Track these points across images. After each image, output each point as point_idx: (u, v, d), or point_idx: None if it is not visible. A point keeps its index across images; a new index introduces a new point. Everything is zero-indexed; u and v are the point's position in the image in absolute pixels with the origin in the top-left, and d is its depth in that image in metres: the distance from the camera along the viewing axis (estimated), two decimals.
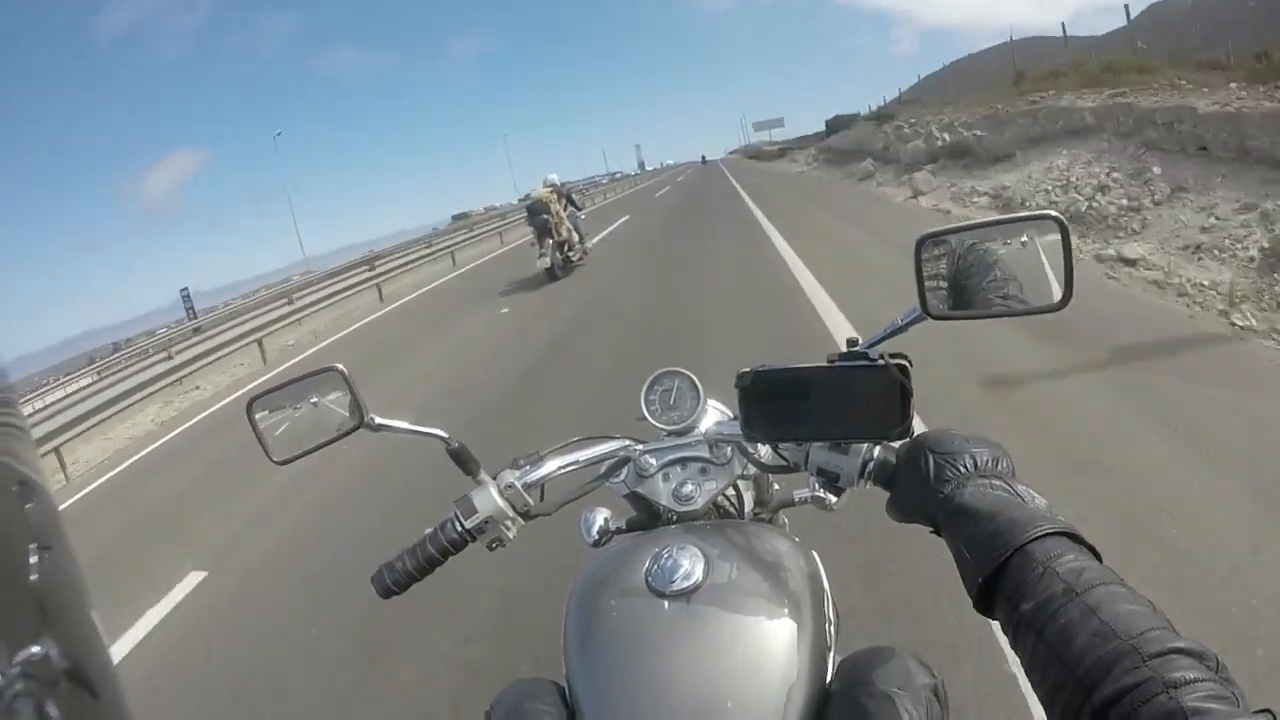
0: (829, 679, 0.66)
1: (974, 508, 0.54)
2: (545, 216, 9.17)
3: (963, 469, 0.58)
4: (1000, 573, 0.49)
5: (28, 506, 0.22)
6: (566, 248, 9.61)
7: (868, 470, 0.69)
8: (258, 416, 0.84)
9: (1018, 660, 0.47)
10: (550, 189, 9.58)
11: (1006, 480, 0.57)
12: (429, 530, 0.83)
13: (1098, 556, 0.49)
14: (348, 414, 0.82)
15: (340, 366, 0.82)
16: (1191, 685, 0.37)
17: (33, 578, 0.20)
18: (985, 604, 0.51)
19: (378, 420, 0.81)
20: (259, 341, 9.66)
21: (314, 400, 0.84)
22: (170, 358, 8.90)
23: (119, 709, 0.22)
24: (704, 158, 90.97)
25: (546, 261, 9.23)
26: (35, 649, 0.19)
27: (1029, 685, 0.46)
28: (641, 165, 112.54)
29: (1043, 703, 0.44)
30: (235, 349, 9.37)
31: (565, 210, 9.65)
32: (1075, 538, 0.49)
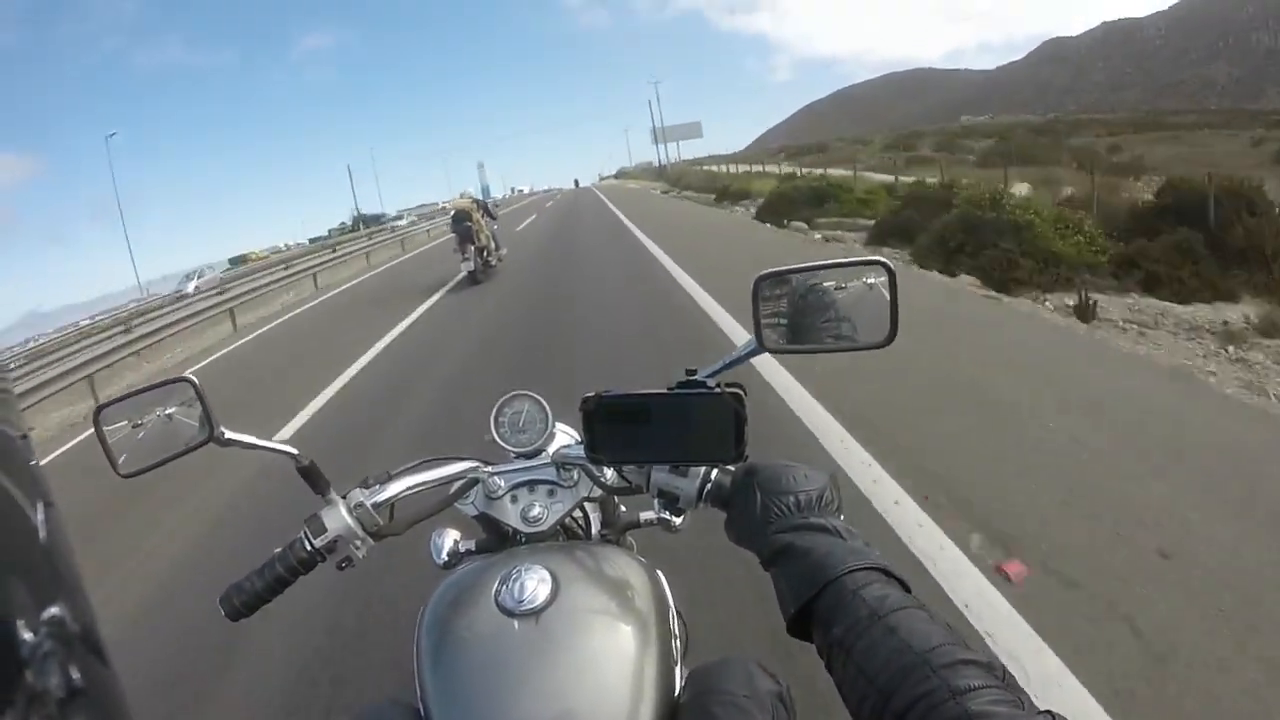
0: (678, 691, 0.73)
1: (794, 546, 0.61)
2: (468, 224, 10.64)
3: (787, 509, 0.65)
4: (814, 601, 0.57)
5: (32, 462, 0.22)
6: (486, 253, 11.10)
7: (705, 492, 0.77)
8: (106, 427, 0.86)
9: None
10: (470, 200, 11.31)
11: (828, 518, 0.64)
12: (278, 550, 0.87)
13: (906, 588, 0.56)
14: (198, 427, 0.85)
15: (191, 377, 0.86)
16: (976, 692, 0.43)
17: (41, 535, 0.21)
18: (800, 630, 0.59)
19: (228, 434, 0.85)
20: (90, 379, 8.84)
21: (164, 412, 0.87)
22: None
23: (115, 676, 0.23)
24: (576, 182, 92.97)
25: (471, 265, 10.68)
26: (55, 609, 0.19)
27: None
28: (485, 192, 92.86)
29: (852, 715, 0.51)
30: (58, 390, 8.35)
31: (484, 220, 11.25)
32: (885, 571, 0.57)
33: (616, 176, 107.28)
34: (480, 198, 11.85)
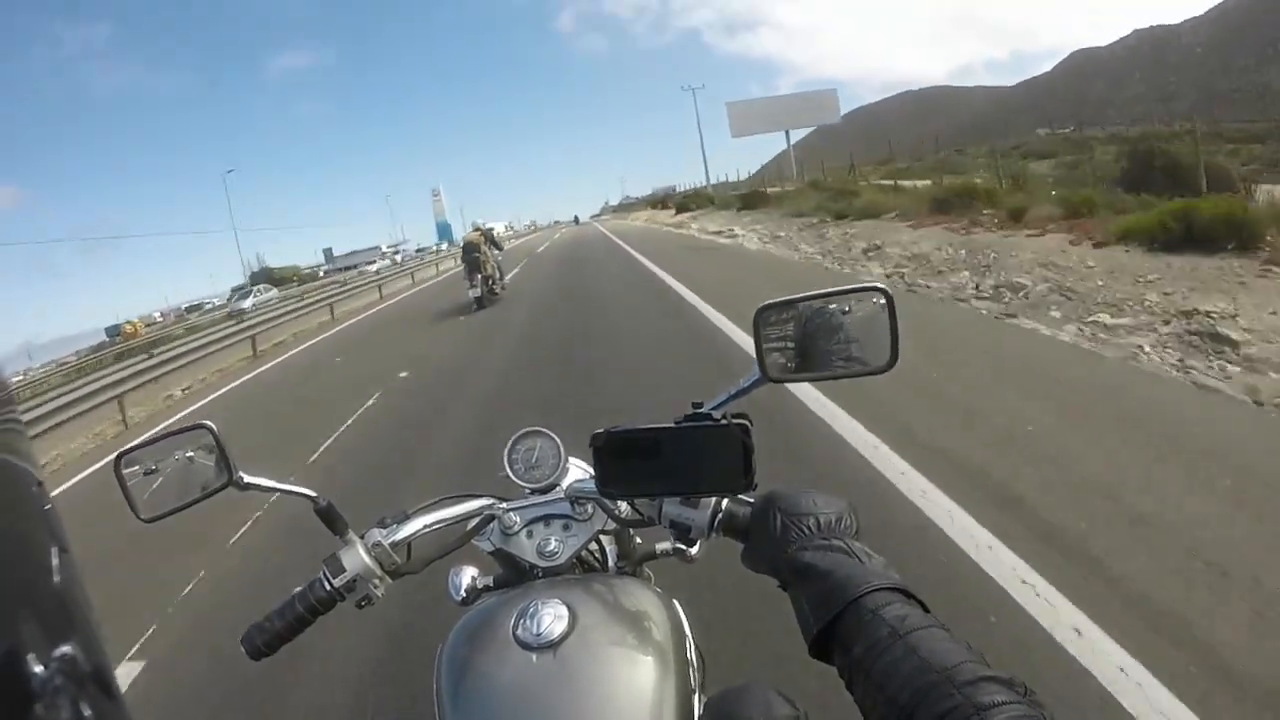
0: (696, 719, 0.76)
1: (815, 566, 0.63)
2: (476, 255, 12.24)
3: (807, 530, 0.67)
4: (835, 622, 0.58)
5: (46, 508, 0.23)
6: (491, 282, 12.63)
7: (717, 522, 0.79)
8: (126, 473, 0.89)
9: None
10: (478, 232, 12.89)
11: (847, 540, 0.65)
12: (298, 590, 0.89)
13: (925, 608, 0.57)
14: (216, 471, 0.88)
15: (209, 424, 0.88)
16: (999, 708, 0.44)
17: (55, 579, 0.21)
18: (821, 651, 0.60)
19: (246, 479, 0.88)
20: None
21: (184, 456, 0.90)
22: None
23: (124, 712, 0.23)
24: (577, 218, 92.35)
25: (477, 292, 12.15)
26: (66, 649, 0.20)
27: None
28: (444, 229, 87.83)
29: None
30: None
31: (490, 250, 12.82)
32: (905, 592, 0.58)
33: (615, 210, 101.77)
34: (485, 228, 13.36)
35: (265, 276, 55.67)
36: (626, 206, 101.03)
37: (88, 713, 0.19)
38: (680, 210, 36.84)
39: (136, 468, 0.89)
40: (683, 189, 66.19)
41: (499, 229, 16.80)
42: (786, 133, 42.44)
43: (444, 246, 64.18)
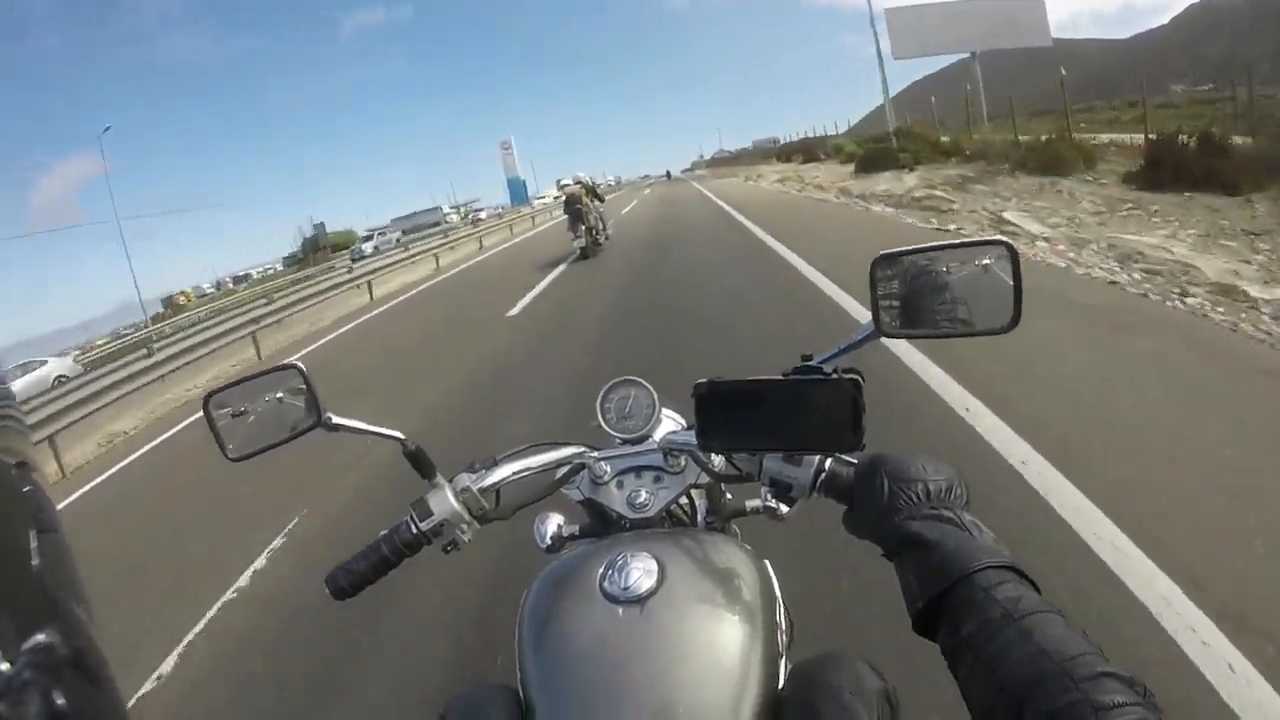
0: (781, 684, 0.73)
1: (923, 537, 0.60)
2: (579, 207, 12.61)
3: (916, 498, 0.65)
4: (943, 598, 0.56)
5: (26, 490, 0.23)
6: (594, 232, 13.01)
7: (819, 482, 0.77)
8: (215, 413, 0.90)
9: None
10: (579, 184, 13.03)
11: (956, 511, 0.63)
12: (384, 532, 0.90)
13: (1037, 590, 0.55)
14: (305, 412, 0.88)
15: (299, 364, 0.89)
16: (1120, 709, 0.41)
17: (34, 562, 0.21)
18: (926, 627, 0.58)
19: (334, 419, 0.87)
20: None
21: (273, 397, 0.90)
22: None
23: (115, 698, 0.23)
24: (669, 173, 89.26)
25: (581, 242, 12.58)
26: (40, 636, 0.19)
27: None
28: (516, 189, 77.93)
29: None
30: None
31: (592, 202, 13.18)
32: (1017, 571, 0.56)
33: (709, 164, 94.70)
34: (589, 181, 13.65)
35: (314, 246, 53.65)
36: (721, 161, 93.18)
37: (61, 700, 0.19)
38: (863, 168, 19.26)
39: (226, 409, 0.90)
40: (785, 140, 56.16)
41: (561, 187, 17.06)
42: (973, 56, 30.28)
43: (500, 211, 53.75)
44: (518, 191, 79.05)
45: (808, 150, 37.35)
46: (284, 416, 0.89)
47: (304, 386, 0.87)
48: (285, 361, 0.91)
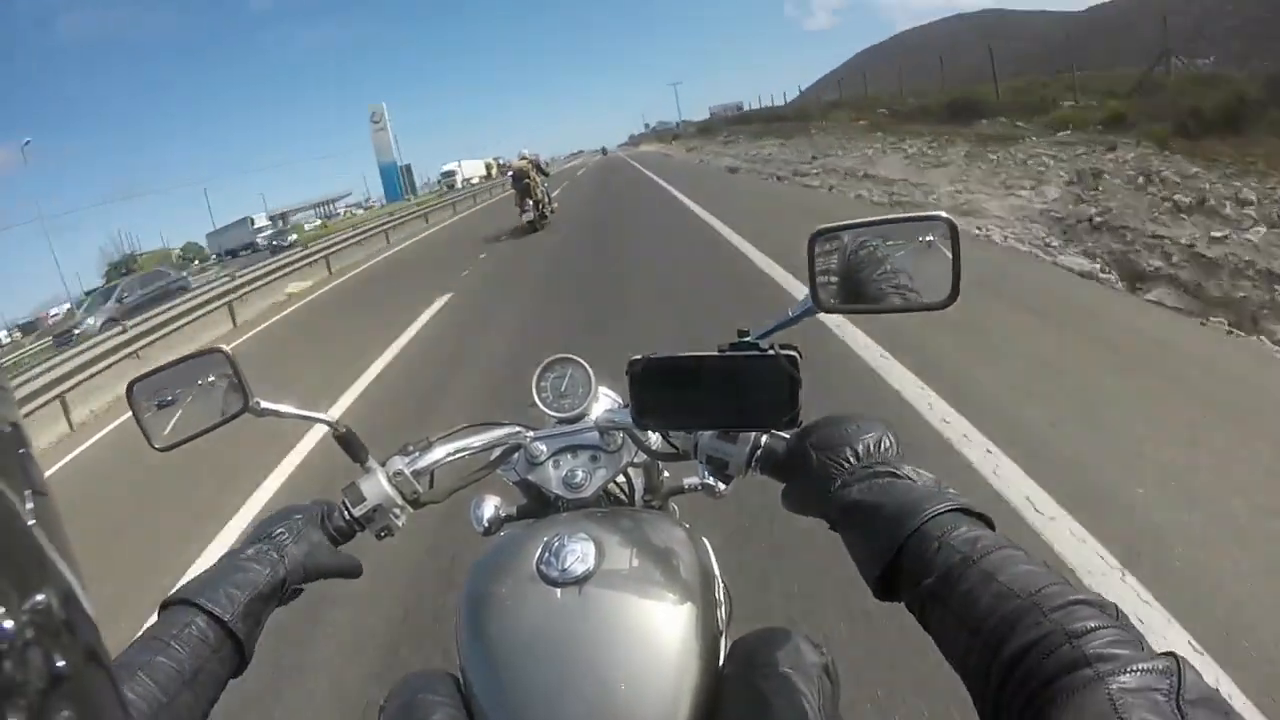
0: (721, 662, 0.74)
1: (864, 501, 0.60)
2: (526, 181, 13.56)
3: (847, 463, 0.64)
4: (898, 557, 0.54)
5: (20, 451, 0.23)
6: (541, 206, 13.91)
7: (755, 458, 0.77)
8: (141, 402, 0.87)
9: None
10: (527, 161, 13.90)
11: (892, 464, 0.63)
12: None
13: (990, 525, 0.55)
14: (232, 397, 0.86)
15: (224, 348, 0.86)
16: (1093, 633, 0.42)
17: (30, 523, 0.21)
18: (886, 590, 0.57)
19: (263, 404, 0.85)
20: None
21: (198, 382, 0.88)
22: None
23: (106, 665, 0.23)
24: (605, 149, 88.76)
25: (530, 215, 13.59)
26: (40, 597, 0.20)
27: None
28: (391, 178, 61.07)
29: (956, 670, 0.49)
30: None
31: (539, 177, 14.03)
32: (966, 511, 0.55)
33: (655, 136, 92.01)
34: (536, 158, 14.48)
35: (125, 271, 40.86)
36: (646, 139, 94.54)
37: (61, 662, 0.19)
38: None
39: (148, 397, 0.88)
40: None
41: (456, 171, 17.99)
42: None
43: (357, 210, 39.73)
44: (393, 183, 62.08)
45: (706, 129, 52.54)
46: (210, 402, 0.86)
47: (230, 371, 0.84)
48: (210, 345, 0.88)
